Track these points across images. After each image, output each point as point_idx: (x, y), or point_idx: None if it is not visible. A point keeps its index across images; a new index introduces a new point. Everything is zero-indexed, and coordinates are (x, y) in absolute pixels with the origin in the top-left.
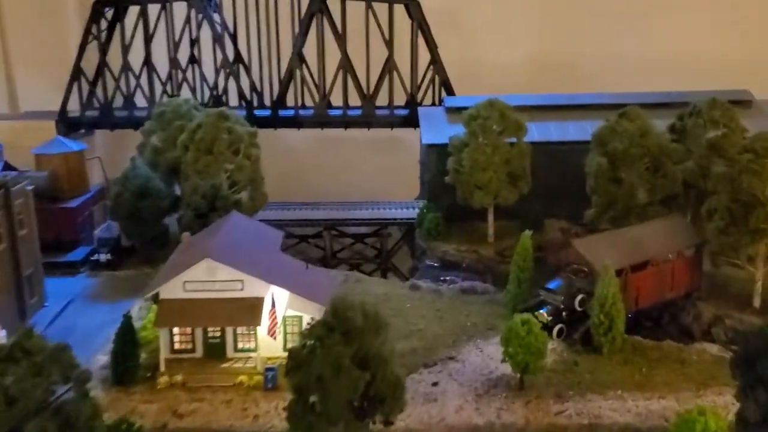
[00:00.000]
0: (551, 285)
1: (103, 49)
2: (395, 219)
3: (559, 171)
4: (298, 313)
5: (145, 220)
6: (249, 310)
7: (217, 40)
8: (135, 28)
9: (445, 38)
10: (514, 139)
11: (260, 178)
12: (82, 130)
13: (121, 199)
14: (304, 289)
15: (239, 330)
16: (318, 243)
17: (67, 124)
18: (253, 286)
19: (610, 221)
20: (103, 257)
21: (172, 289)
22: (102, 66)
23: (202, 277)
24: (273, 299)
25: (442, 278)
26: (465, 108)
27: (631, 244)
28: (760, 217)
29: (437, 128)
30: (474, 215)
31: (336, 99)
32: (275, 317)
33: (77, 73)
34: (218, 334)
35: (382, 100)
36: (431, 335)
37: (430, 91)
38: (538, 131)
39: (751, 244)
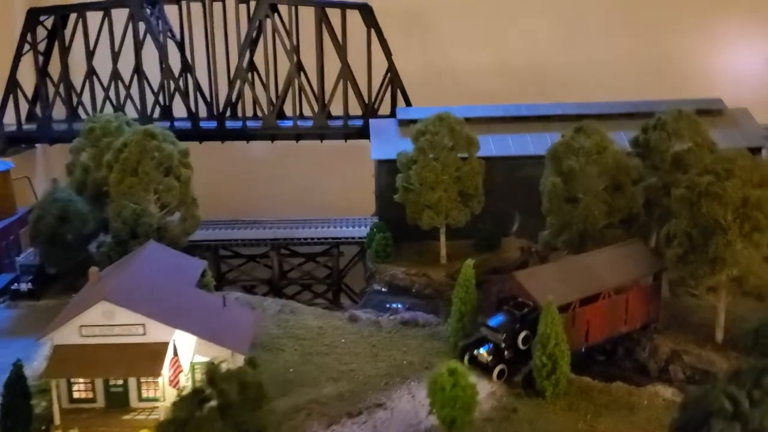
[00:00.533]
0: (493, 321)
1: (44, 60)
2: (347, 238)
3: (518, 186)
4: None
5: (67, 246)
6: (151, 358)
7: (159, 48)
8: (72, 36)
9: (410, 43)
10: (465, 155)
11: (191, 199)
12: (22, 145)
13: (41, 224)
14: (214, 332)
15: (143, 377)
16: (267, 262)
17: (4, 139)
18: (156, 330)
19: (566, 244)
20: (24, 286)
21: (68, 335)
22: (42, 77)
23: (100, 321)
24: (175, 346)
25: (387, 305)
26: (417, 121)
27: (582, 275)
28: (720, 245)
29: (388, 142)
30: (427, 234)
31: (288, 109)
32: (178, 365)
33: (13, 84)
34: (120, 382)
35: (337, 110)
36: (362, 377)
37: (388, 101)
38: (495, 144)
39: (710, 274)
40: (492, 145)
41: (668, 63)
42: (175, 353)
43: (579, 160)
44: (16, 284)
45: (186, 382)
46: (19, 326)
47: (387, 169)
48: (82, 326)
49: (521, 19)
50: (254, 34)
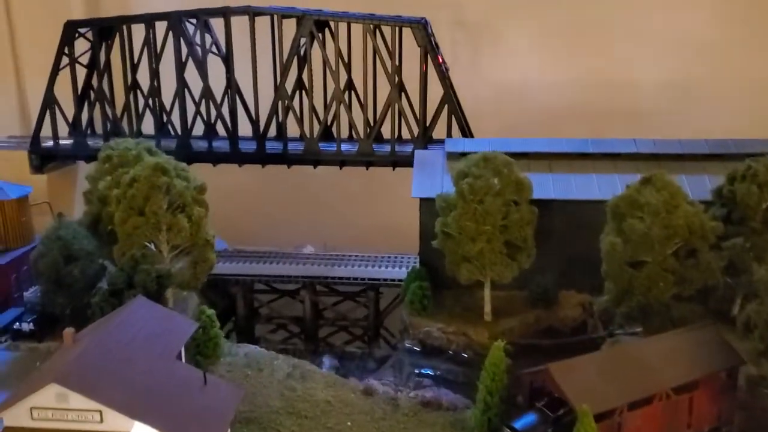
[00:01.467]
0: (520, 422)
1: (86, 74)
2: (387, 280)
3: (581, 234)
4: None
5: (71, 287)
6: None
7: (198, 65)
8: (110, 50)
9: (478, 58)
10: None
11: (204, 241)
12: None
13: (42, 263)
14: (181, 423)
15: None
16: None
17: (41, 155)
18: (115, 419)
19: (624, 317)
20: (26, 326)
21: (19, 416)
22: (82, 91)
23: (52, 404)
24: None
25: (416, 370)
26: (466, 154)
27: (633, 370)
28: None
29: (432, 177)
30: (475, 282)
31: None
32: None
33: (50, 99)
34: None
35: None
36: None
37: (446, 126)
38: (556, 186)
39: None
40: (552, 186)
41: None
42: None
43: (644, 219)
44: (18, 323)
45: None
46: (14, 371)
47: (430, 208)
48: (33, 408)
49: (602, 33)
50: (302, 52)
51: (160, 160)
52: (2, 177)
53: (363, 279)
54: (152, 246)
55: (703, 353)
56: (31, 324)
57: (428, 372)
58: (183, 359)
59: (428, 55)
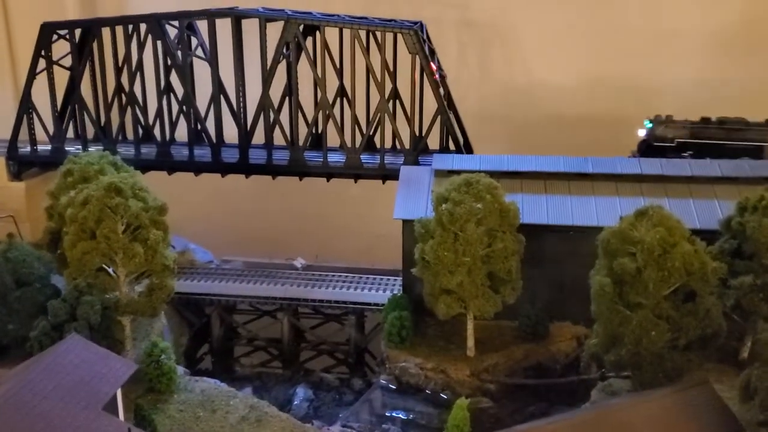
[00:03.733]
0: None
1: (69, 77)
2: (370, 304)
3: (576, 260)
4: None
5: (19, 314)
6: None
7: (178, 70)
8: (91, 52)
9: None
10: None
11: (162, 267)
12: (35, 168)
13: None
14: None
15: None
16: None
17: (18, 161)
18: None
19: (613, 365)
20: None
21: None
22: (68, 96)
23: None
24: None
25: (387, 413)
26: (455, 172)
27: None
28: None
29: (417, 196)
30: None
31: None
32: None
33: (27, 104)
34: None
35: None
36: None
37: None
38: (551, 208)
39: None
40: (546, 208)
41: None
42: None
43: (636, 258)
44: None
45: None
46: None
47: (412, 231)
48: None
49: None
50: (287, 58)
51: (114, 179)
52: None
53: (345, 302)
54: (111, 270)
55: (697, 418)
56: None
57: (400, 415)
58: (119, 404)
59: (421, 64)
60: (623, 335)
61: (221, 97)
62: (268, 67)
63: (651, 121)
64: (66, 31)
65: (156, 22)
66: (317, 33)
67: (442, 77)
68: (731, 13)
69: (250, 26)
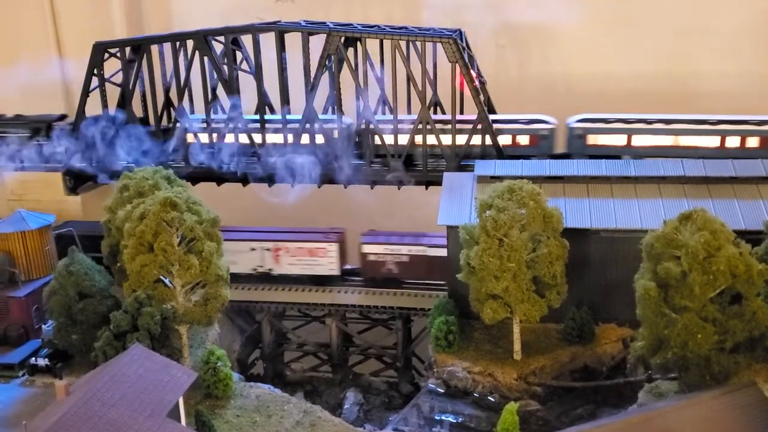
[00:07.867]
0: None
1: (120, 93)
2: (417, 309)
3: (621, 262)
4: None
5: (82, 324)
6: None
7: (224, 84)
8: (139, 69)
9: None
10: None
11: (216, 277)
12: (90, 182)
13: (54, 300)
14: None
15: None
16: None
17: (75, 176)
18: None
19: (660, 368)
20: (42, 361)
21: None
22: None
23: None
24: None
25: (437, 416)
26: (498, 178)
27: None
28: None
29: (461, 202)
30: None
31: None
32: None
33: (81, 120)
34: None
35: None
36: None
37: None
38: (594, 212)
39: None
40: (589, 212)
41: None
42: None
43: (681, 262)
44: (34, 357)
45: None
46: (26, 409)
47: (457, 236)
48: None
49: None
50: (330, 69)
51: (169, 194)
52: (40, 198)
53: (391, 307)
54: (167, 281)
55: (744, 420)
56: (46, 359)
57: (449, 418)
58: (181, 410)
59: (461, 71)
60: (669, 338)
61: (266, 108)
62: (311, 79)
63: None
64: (117, 50)
65: (203, 38)
66: (358, 44)
67: (482, 83)
68: None
69: (292, 40)
